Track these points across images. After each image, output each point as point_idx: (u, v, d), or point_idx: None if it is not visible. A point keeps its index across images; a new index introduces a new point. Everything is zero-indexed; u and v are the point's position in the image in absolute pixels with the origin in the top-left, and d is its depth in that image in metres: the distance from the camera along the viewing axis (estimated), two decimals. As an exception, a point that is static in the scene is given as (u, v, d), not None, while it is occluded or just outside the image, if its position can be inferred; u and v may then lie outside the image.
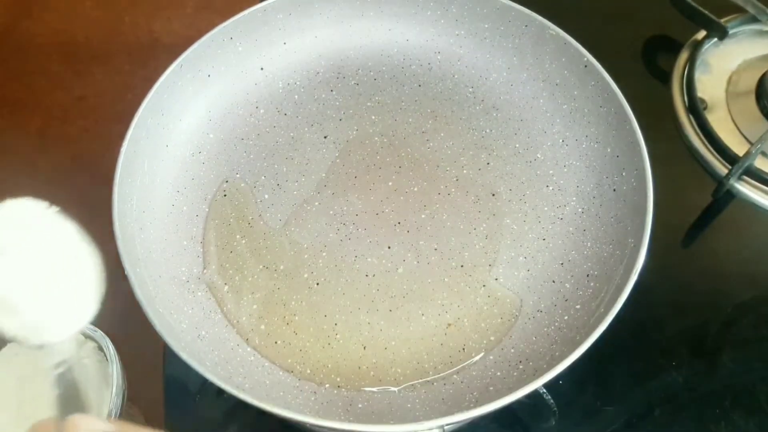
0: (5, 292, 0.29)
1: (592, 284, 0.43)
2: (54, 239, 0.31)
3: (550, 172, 0.49)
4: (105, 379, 0.40)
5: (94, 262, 0.32)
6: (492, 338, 0.43)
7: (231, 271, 0.45)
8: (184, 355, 0.36)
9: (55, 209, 0.31)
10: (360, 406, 0.40)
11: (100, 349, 0.41)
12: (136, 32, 0.65)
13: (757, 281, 0.51)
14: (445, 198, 0.48)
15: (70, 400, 0.27)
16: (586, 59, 0.47)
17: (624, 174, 0.45)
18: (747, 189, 0.53)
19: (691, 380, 0.46)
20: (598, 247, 0.44)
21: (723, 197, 0.53)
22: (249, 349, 0.42)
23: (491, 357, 0.42)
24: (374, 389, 0.41)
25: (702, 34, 0.61)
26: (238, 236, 0.46)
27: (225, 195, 0.48)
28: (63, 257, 0.31)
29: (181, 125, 0.49)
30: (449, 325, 0.43)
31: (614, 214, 0.45)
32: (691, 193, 0.55)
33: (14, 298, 0.29)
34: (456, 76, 0.53)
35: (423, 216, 0.47)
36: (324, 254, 0.45)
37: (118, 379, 0.39)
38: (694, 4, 0.59)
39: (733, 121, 0.56)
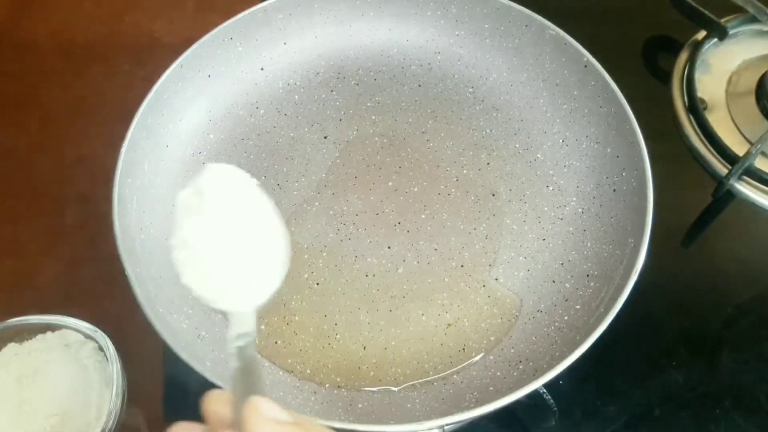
0: (198, 251, 0.29)
1: (592, 284, 0.43)
2: (250, 210, 0.31)
3: (550, 172, 0.49)
4: (105, 379, 0.40)
5: (284, 240, 0.32)
6: (492, 338, 0.43)
7: (231, 271, 0.45)
8: (184, 355, 0.36)
9: (255, 181, 0.31)
10: (360, 406, 0.40)
11: (101, 349, 0.41)
12: (137, 32, 0.65)
13: (758, 281, 0.50)
14: (445, 198, 0.48)
15: (248, 377, 0.27)
16: (586, 59, 0.47)
17: (624, 174, 0.45)
18: (747, 189, 0.53)
19: (691, 380, 0.46)
20: (598, 247, 0.44)
21: (723, 197, 0.53)
22: (249, 349, 0.42)
23: (491, 357, 0.42)
24: (374, 389, 0.41)
25: (702, 34, 0.60)
26: (238, 236, 0.46)
27: (225, 195, 0.48)
28: (257, 229, 0.31)
29: (181, 125, 0.49)
30: (449, 325, 0.43)
31: (614, 214, 0.45)
32: (691, 193, 0.55)
33: (206, 258, 0.29)
34: (456, 76, 0.53)
35: (423, 216, 0.47)
36: (324, 254, 0.45)
37: (119, 379, 0.39)
38: (694, 4, 0.59)
39: (733, 121, 0.56)
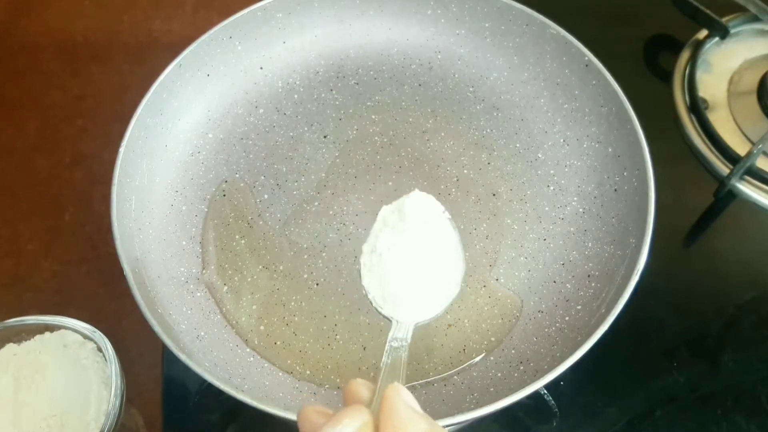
0: (384, 260, 0.33)
1: (593, 285, 0.43)
2: (438, 238, 0.34)
3: (551, 172, 0.48)
4: (104, 380, 0.40)
5: (459, 273, 0.35)
6: (492, 339, 0.42)
7: (230, 272, 0.45)
8: (183, 356, 0.35)
9: (447, 215, 0.35)
10: (360, 407, 0.40)
11: (99, 349, 0.41)
12: (135, 31, 0.65)
13: (759, 281, 0.50)
14: (445, 198, 0.47)
15: (393, 372, 0.30)
16: (587, 58, 0.47)
17: (625, 174, 0.45)
18: (748, 189, 0.53)
19: (692, 381, 0.46)
20: (600, 248, 0.44)
21: (724, 197, 0.53)
22: (248, 350, 0.42)
23: (492, 358, 0.42)
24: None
25: (703, 33, 0.60)
26: (237, 236, 0.46)
27: (224, 195, 0.48)
28: (438, 256, 0.34)
29: (180, 125, 0.49)
30: (449, 325, 0.43)
31: (615, 214, 0.44)
32: (692, 193, 0.54)
33: (388, 268, 0.33)
34: (456, 76, 0.53)
35: (423, 216, 0.47)
36: (324, 254, 0.45)
37: (117, 379, 0.39)
38: (695, 3, 0.59)
39: (735, 120, 0.56)
